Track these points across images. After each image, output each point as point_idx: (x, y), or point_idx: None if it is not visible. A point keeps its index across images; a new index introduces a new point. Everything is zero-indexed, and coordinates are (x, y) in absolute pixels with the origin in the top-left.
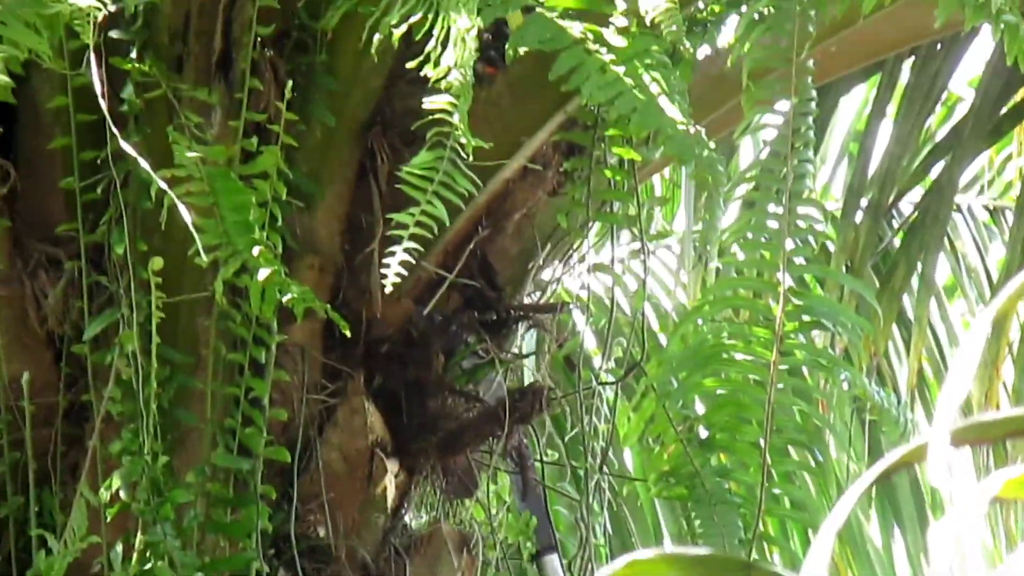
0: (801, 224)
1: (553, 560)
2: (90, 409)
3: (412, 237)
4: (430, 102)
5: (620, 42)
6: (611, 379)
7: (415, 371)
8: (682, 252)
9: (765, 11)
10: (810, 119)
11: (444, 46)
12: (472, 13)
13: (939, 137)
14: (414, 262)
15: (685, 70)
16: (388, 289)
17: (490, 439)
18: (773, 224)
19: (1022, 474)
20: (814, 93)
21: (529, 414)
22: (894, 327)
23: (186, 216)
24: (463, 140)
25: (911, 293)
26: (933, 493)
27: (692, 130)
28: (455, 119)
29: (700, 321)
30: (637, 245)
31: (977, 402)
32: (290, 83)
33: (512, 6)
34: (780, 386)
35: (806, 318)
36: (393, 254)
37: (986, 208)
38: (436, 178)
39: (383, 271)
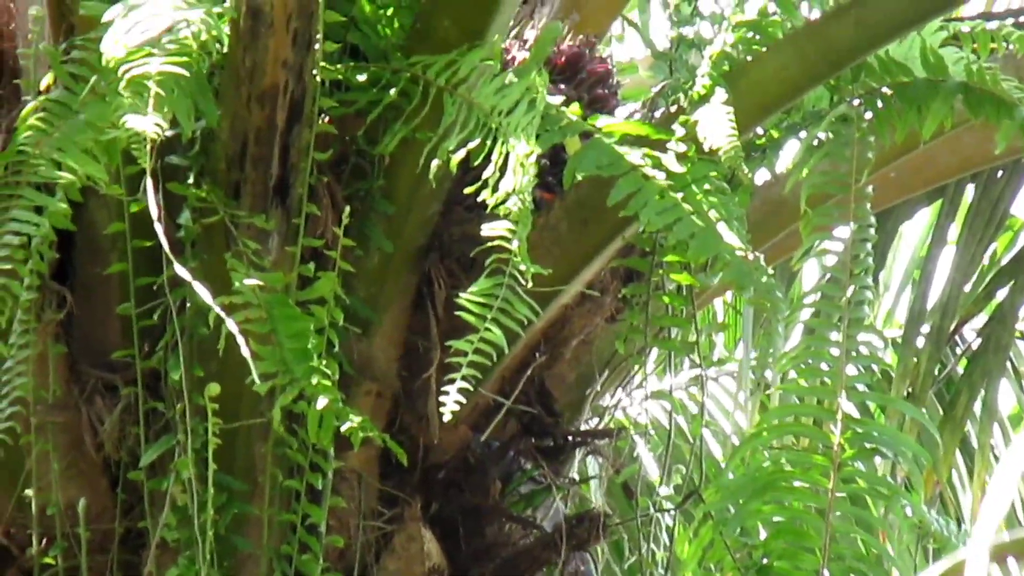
0: (861, 351)
1: None
2: (146, 535)
3: (470, 364)
4: (489, 228)
5: (678, 168)
6: (670, 506)
7: (472, 497)
8: (742, 378)
9: (823, 136)
10: (869, 245)
11: (503, 172)
12: (531, 139)
13: (1003, 263)
14: (471, 389)
15: (743, 196)
16: (447, 417)
17: (548, 566)
18: (833, 351)
19: None
20: (873, 219)
21: (587, 540)
22: (957, 455)
23: (242, 345)
24: (522, 267)
25: (974, 420)
26: None
27: (751, 256)
28: (514, 245)
29: (759, 448)
30: (697, 371)
31: None
32: (347, 208)
33: (570, 132)
34: (838, 514)
35: (866, 445)
36: (451, 381)
37: None
38: (495, 305)
39: (441, 399)
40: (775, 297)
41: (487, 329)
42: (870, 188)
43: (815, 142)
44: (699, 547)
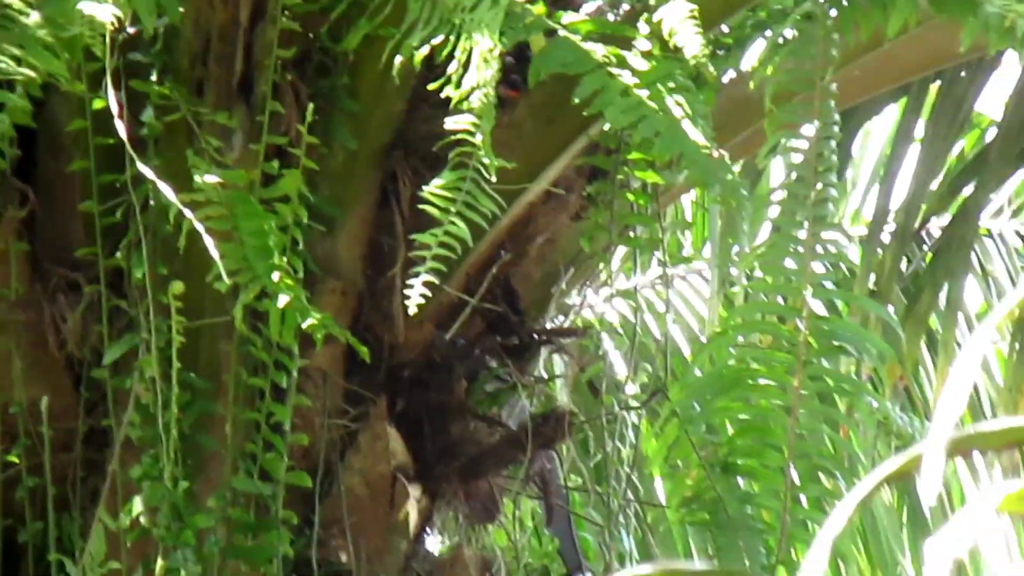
0: (826, 249)
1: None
2: (110, 434)
3: (435, 259)
4: (453, 122)
5: (643, 65)
6: (635, 404)
7: (437, 396)
8: (712, 277)
9: (788, 35)
10: (833, 143)
11: (466, 67)
12: (494, 35)
13: (969, 160)
14: (436, 285)
15: (709, 94)
16: (412, 311)
17: (513, 464)
18: (798, 249)
19: (1021, 488)
20: (837, 117)
21: (552, 439)
22: (926, 353)
23: (207, 241)
24: (486, 161)
25: (940, 317)
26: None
27: (716, 154)
28: (478, 139)
29: (725, 346)
30: (664, 270)
31: None
32: (311, 106)
33: (534, 29)
34: (804, 412)
35: (831, 343)
36: (416, 276)
37: (1018, 234)
38: (459, 198)
39: (406, 294)
40: (740, 195)
41: (451, 223)
42: (834, 86)
43: (780, 40)
44: (664, 444)
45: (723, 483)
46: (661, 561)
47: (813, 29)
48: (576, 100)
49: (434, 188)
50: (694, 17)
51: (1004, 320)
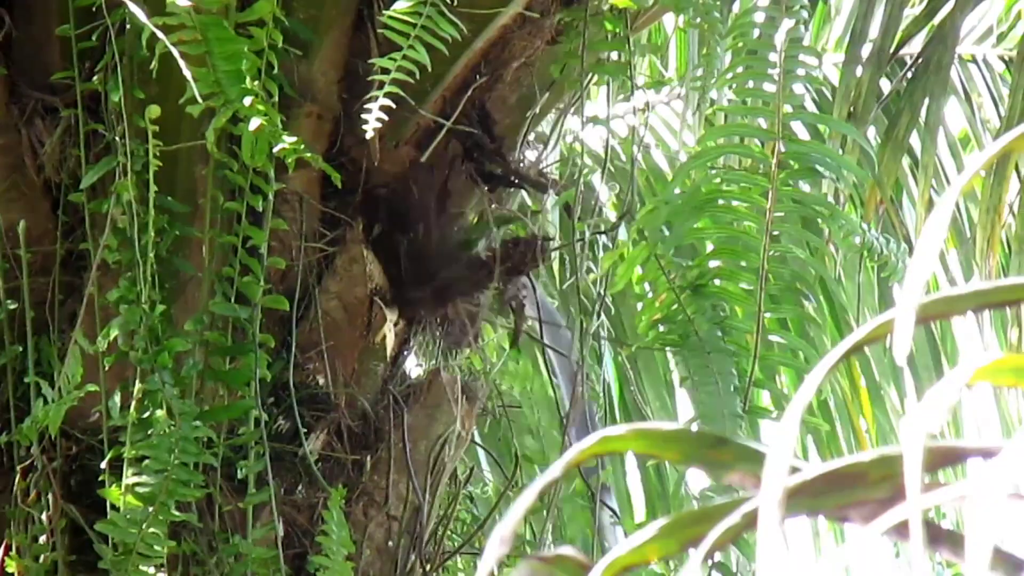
0: (799, 72)
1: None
2: (88, 258)
3: (402, 84)
4: None
5: None
6: (606, 227)
7: (413, 220)
8: (686, 100)
9: None
10: None
11: None
12: None
13: None
14: (411, 107)
15: None
16: (369, 135)
17: (483, 289)
18: (772, 73)
19: (992, 361)
20: None
21: (522, 264)
22: (909, 179)
23: (181, 64)
24: None
25: (921, 140)
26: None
27: None
28: None
29: (699, 168)
30: (640, 94)
31: (980, 249)
32: None
33: None
34: (777, 234)
35: (807, 166)
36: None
37: (1002, 59)
38: (418, 23)
39: (365, 116)
40: (712, 17)
41: (410, 47)
42: None
43: None
44: (630, 266)
45: (694, 305)
46: (632, 424)
47: None
48: None
49: (394, 12)
50: None
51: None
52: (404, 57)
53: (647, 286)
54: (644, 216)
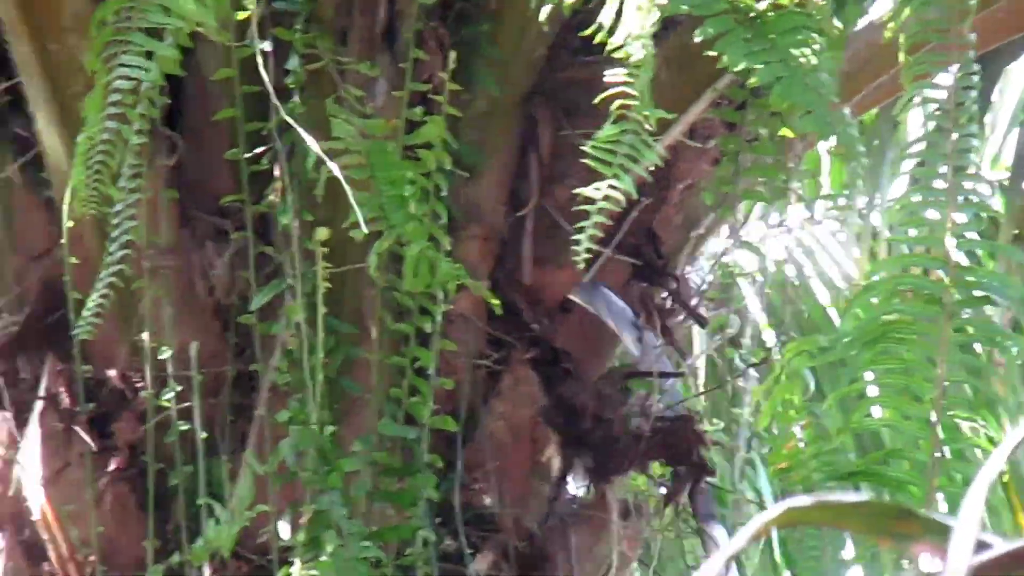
0: (969, 199)
1: (716, 528)
2: (257, 379)
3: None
4: (611, 75)
5: (770, 15)
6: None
7: (578, 343)
8: (843, 224)
9: None
10: (973, 92)
11: (619, 15)
12: None
13: None
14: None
15: (837, 53)
16: (580, 266)
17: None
18: (938, 199)
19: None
20: (976, 67)
21: (682, 453)
22: None
23: (346, 188)
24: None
25: None
26: None
27: (835, 106)
28: (635, 91)
29: (870, 300)
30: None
31: None
32: (454, 53)
33: None
34: (947, 362)
35: (975, 293)
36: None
37: None
38: (620, 151)
39: (574, 248)
40: (857, 150)
41: (614, 175)
42: (972, 35)
43: None
44: (772, 405)
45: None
46: (817, 494)
47: None
48: (697, 38)
49: (597, 142)
50: None
51: None
52: (610, 186)
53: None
54: (794, 354)
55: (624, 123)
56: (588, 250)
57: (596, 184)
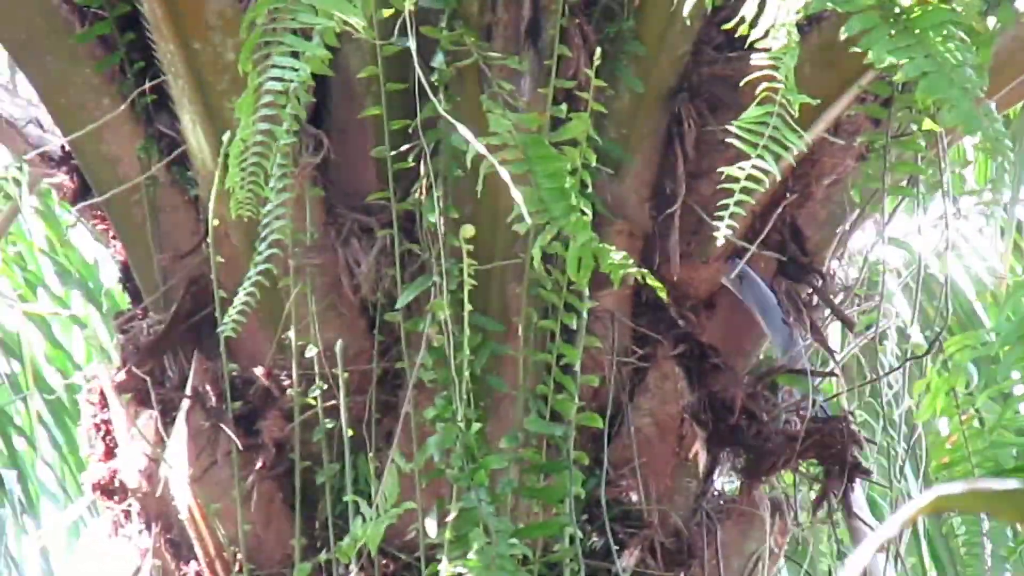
0: None
1: (863, 528)
2: (403, 376)
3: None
4: (757, 59)
5: (916, 11)
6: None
7: (724, 339)
8: (995, 220)
9: None
10: None
11: (761, 7)
12: None
13: None
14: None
15: (985, 50)
16: (720, 243)
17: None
18: None
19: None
20: None
21: (836, 454)
22: None
23: (508, 182)
24: (789, 97)
25: None
26: None
27: (980, 101)
28: (780, 75)
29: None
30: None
31: None
32: (598, 50)
33: None
34: None
35: None
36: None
37: None
38: (766, 133)
39: (715, 224)
40: (1003, 145)
41: (759, 156)
42: None
43: None
44: (935, 398)
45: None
46: (968, 480)
47: None
48: (843, 35)
49: (741, 123)
50: None
51: None
52: (753, 166)
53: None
54: (955, 349)
55: (769, 106)
56: (734, 246)
57: (740, 164)
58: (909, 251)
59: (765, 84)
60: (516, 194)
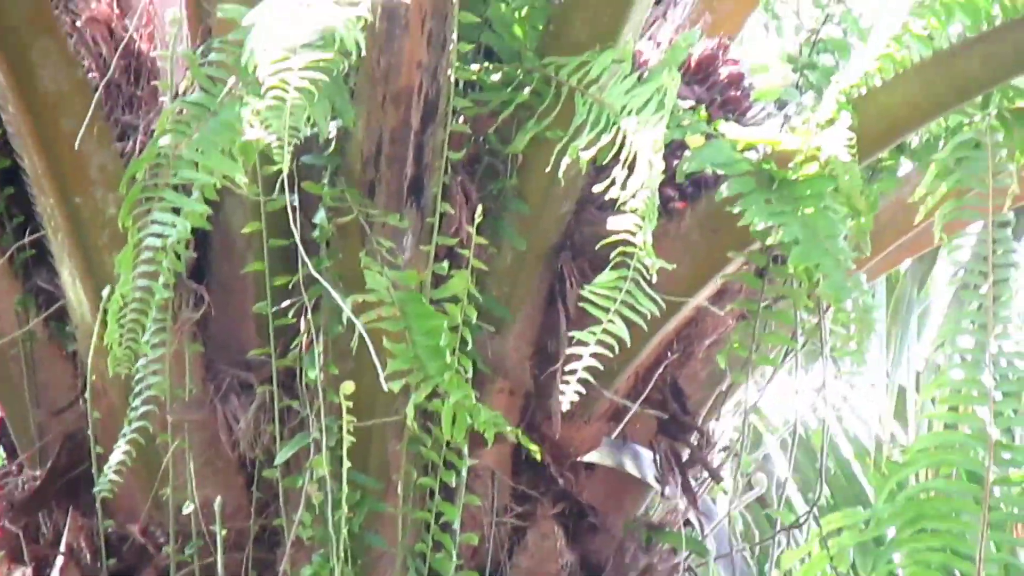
0: (1009, 377)
1: None
2: (281, 533)
3: (596, 358)
4: (615, 222)
5: (794, 179)
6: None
7: (603, 497)
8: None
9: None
10: (1012, 271)
11: (631, 169)
12: (658, 137)
13: None
14: (604, 383)
15: (868, 219)
16: (565, 407)
17: None
18: (983, 379)
19: None
20: (1015, 245)
21: None
22: None
23: (370, 345)
24: (647, 262)
25: None
26: None
27: (851, 272)
28: (638, 240)
29: (907, 476)
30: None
31: None
32: (481, 207)
33: (693, 130)
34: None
35: (1012, 471)
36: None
37: None
38: (618, 298)
39: (562, 390)
40: (870, 318)
41: (610, 321)
42: (1011, 214)
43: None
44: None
45: None
46: None
47: (980, 156)
48: (720, 197)
49: (594, 287)
50: (852, 147)
51: None
52: (604, 331)
53: None
54: (834, 527)
55: (623, 270)
56: (616, 406)
57: (591, 328)
58: (791, 411)
59: (620, 249)
60: (376, 358)
